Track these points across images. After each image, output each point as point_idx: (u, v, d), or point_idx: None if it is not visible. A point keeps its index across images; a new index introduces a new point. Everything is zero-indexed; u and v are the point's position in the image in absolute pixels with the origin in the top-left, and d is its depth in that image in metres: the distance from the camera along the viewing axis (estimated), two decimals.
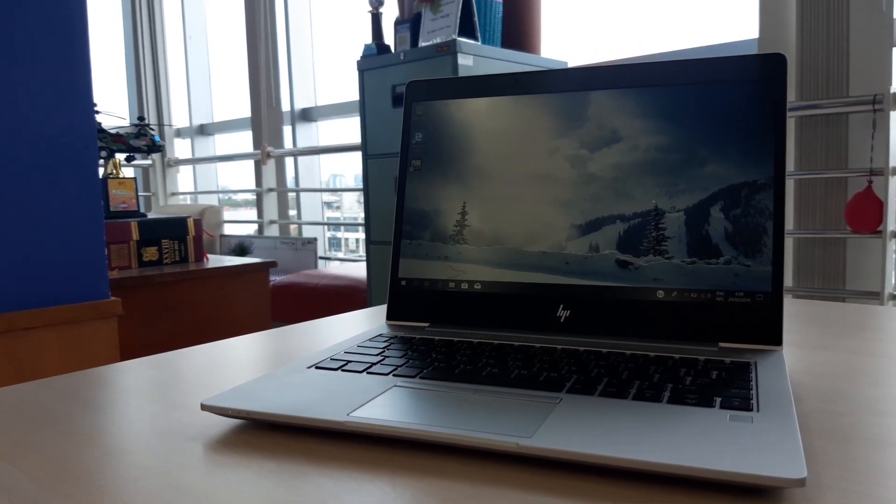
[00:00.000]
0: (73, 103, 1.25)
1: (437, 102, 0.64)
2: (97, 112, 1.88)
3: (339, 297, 2.77)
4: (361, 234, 4.35)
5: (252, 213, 4.45)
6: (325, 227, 4.13)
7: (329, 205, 4.28)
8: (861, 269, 1.94)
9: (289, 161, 4.07)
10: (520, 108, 0.61)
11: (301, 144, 3.95)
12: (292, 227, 4.13)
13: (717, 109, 0.55)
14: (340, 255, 4.24)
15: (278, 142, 4.03)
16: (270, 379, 0.46)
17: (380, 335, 0.58)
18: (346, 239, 4.58)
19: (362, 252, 4.27)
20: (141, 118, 2.18)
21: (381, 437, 0.39)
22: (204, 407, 0.42)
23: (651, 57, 2.47)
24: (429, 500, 0.32)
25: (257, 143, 4.08)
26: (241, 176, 4.75)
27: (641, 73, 0.57)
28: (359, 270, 2.98)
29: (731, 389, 0.42)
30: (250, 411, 0.41)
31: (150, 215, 2.08)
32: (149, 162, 4.88)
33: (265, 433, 0.41)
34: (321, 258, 3.81)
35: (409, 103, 0.66)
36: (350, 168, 4.28)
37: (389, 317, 0.63)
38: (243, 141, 4.52)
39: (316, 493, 0.33)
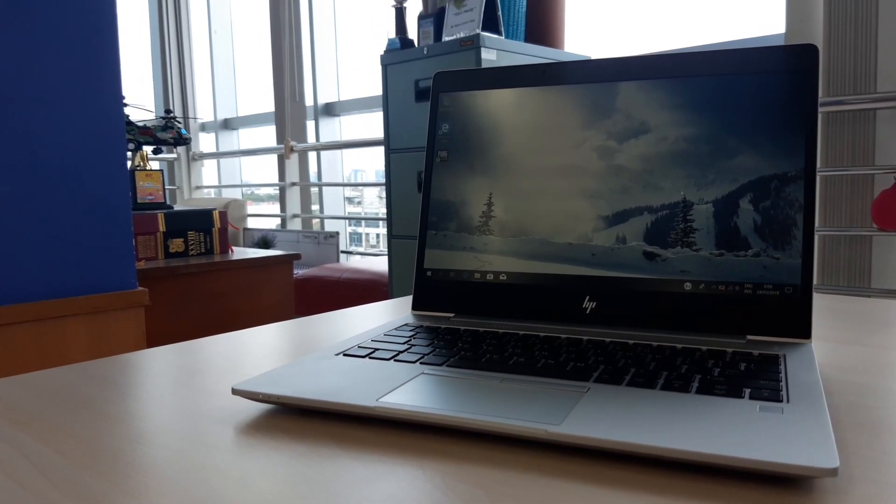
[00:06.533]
0: (102, 96, 1.27)
1: (465, 93, 0.64)
2: (125, 105, 1.91)
3: (361, 291, 2.78)
4: (381, 230, 4.36)
5: (275, 208, 4.47)
6: (347, 221, 4.14)
7: (350, 200, 4.30)
8: (887, 267, 1.92)
9: (311, 156, 4.09)
10: (547, 98, 0.61)
11: (324, 139, 3.97)
12: (314, 221, 4.15)
13: (747, 100, 0.54)
14: (361, 249, 4.26)
15: (301, 136, 4.05)
16: (299, 365, 0.47)
17: (406, 324, 0.59)
18: (367, 234, 4.59)
19: (382, 247, 4.29)
20: (168, 111, 2.20)
21: (411, 423, 0.40)
22: (235, 391, 0.42)
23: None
24: (458, 485, 0.32)
25: (281, 137, 4.10)
26: (264, 170, 4.79)
27: (670, 63, 0.57)
28: (380, 264, 2.99)
29: (761, 381, 0.41)
30: (280, 396, 0.41)
31: (176, 208, 2.10)
32: (174, 156, 4.93)
33: (295, 418, 0.42)
34: (342, 252, 3.83)
35: (437, 94, 0.66)
36: (371, 164, 4.30)
37: (415, 307, 0.64)
38: (267, 135, 4.55)
39: (347, 475, 0.34)
